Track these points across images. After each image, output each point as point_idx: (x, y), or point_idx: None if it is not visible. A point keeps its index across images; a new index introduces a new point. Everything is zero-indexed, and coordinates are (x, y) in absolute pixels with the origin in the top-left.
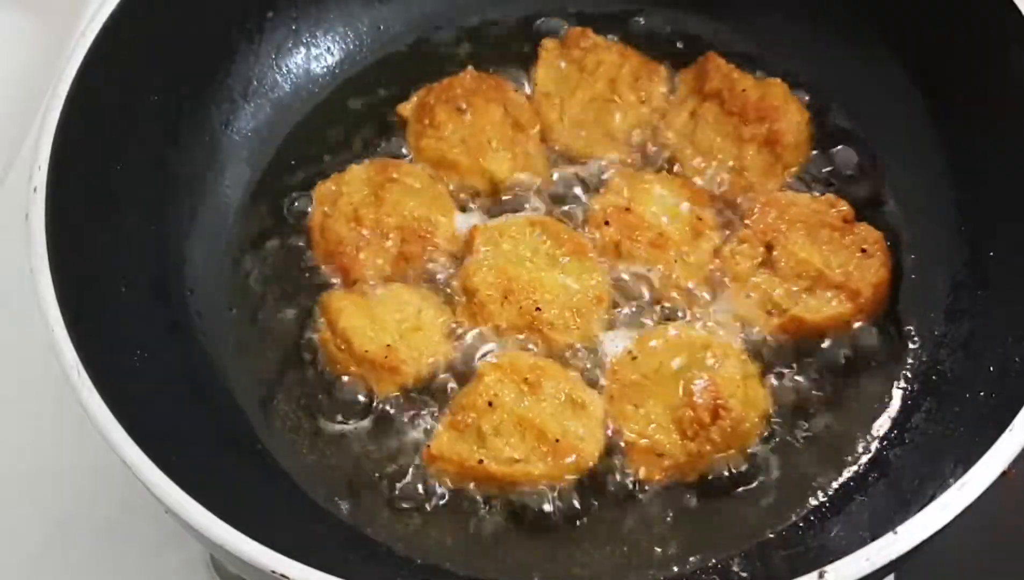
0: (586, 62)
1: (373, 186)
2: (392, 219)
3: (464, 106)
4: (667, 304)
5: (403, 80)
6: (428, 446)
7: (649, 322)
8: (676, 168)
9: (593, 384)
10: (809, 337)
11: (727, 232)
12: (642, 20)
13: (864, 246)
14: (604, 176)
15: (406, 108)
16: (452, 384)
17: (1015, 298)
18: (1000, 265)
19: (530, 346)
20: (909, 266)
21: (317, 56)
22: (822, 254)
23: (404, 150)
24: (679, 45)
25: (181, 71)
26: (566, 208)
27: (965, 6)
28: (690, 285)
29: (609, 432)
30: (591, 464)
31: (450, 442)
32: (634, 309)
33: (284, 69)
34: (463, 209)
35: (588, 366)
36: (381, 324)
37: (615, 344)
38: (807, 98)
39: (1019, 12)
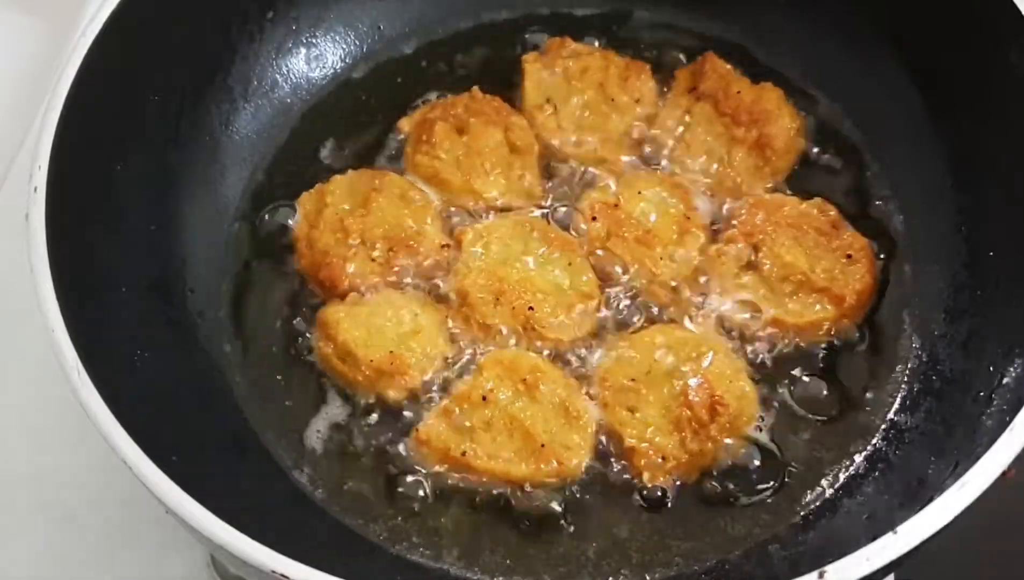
0: (571, 70)
1: (358, 196)
2: (379, 229)
3: (464, 126)
4: (652, 303)
5: (403, 81)
6: (417, 429)
7: (635, 322)
8: (666, 166)
9: (584, 387)
10: (804, 337)
11: (714, 232)
12: (640, 19)
13: (850, 252)
14: (595, 175)
15: (407, 122)
16: (455, 382)
17: (1015, 298)
18: (1000, 265)
19: (526, 346)
20: (909, 266)
21: (317, 56)
22: (808, 258)
23: (400, 159)
24: (676, 45)
25: (181, 71)
26: (555, 207)
27: (965, 6)
28: (675, 284)
29: (604, 438)
30: (574, 473)
31: (439, 429)
32: (620, 308)
33: (284, 69)
34: (449, 216)
35: (579, 368)
36: (380, 331)
37: (603, 346)
38: (806, 98)
39: (1019, 12)
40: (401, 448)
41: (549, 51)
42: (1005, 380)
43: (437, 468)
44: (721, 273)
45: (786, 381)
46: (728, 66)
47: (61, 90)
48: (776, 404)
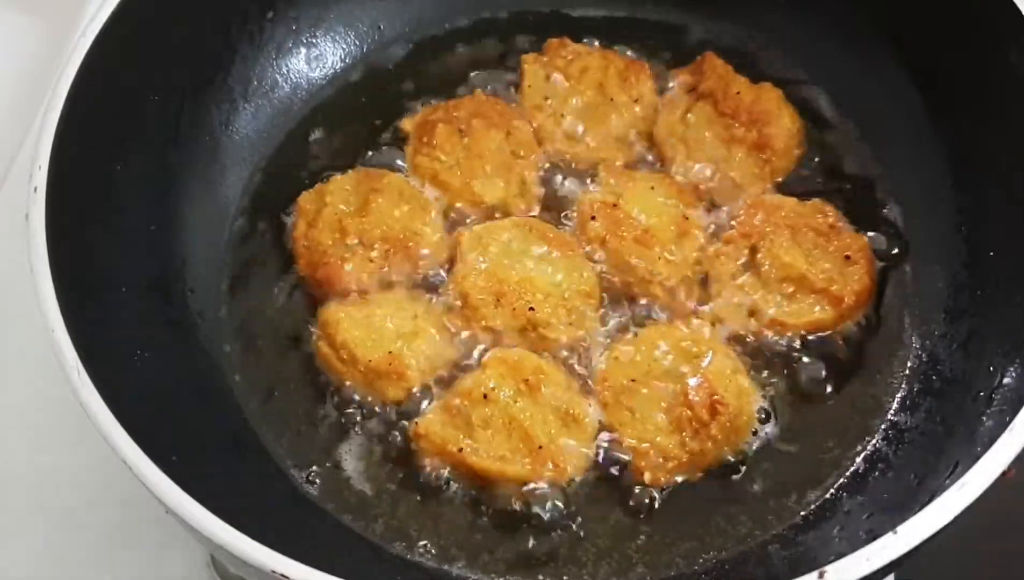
0: (571, 70)
1: (357, 197)
2: (377, 230)
3: (465, 128)
4: (651, 303)
5: (403, 81)
6: (416, 422)
7: (635, 322)
8: (665, 166)
9: (584, 387)
10: (802, 337)
11: (713, 232)
12: (640, 19)
13: (848, 253)
14: (594, 174)
15: (408, 123)
16: (455, 383)
17: (1015, 298)
18: (1000, 265)
19: (526, 346)
20: (909, 266)
21: (317, 56)
22: (806, 258)
23: (401, 160)
24: (676, 45)
25: (181, 71)
26: (554, 207)
27: (965, 6)
28: (674, 284)
29: (604, 442)
30: (571, 476)
31: (437, 424)
32: (619, 309)
33: (284, 69)
34: (449, 217)
35: (579, 368)
36: (380, 332)
37: (601, 346)
38: (806, 98)
39: (1019, 12)
40: (401, 448)
41: (549, 51)
42: (1005, 380)
43: (434, 463)
44: (720, 273)
45: (785, 381)
46: (728, 66)
47: (61, 90)
48: (775, 403)
